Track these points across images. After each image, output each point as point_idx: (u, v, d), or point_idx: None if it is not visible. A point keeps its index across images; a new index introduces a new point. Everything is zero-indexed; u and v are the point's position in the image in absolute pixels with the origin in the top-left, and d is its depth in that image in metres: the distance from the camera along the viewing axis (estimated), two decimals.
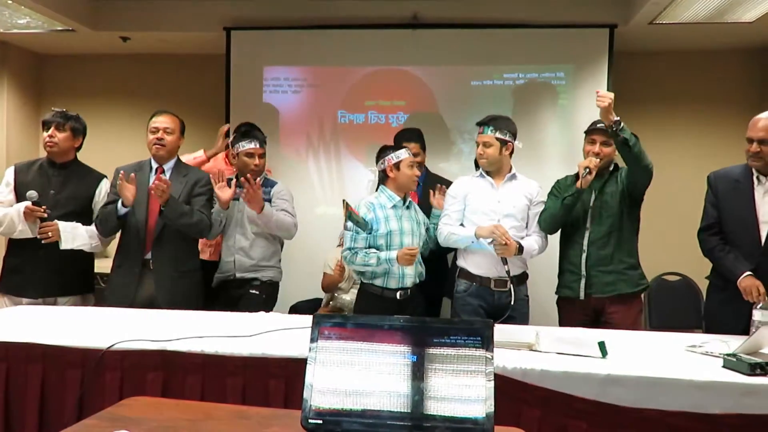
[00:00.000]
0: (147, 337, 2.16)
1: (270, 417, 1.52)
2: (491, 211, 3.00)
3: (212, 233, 3.28)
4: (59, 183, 3.14)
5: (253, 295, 3.21)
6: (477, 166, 3.19)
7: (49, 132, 3.11)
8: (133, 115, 5.48)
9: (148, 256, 3.08)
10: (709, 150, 4.95)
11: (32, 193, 2.98)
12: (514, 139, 3.08)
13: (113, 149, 4.63)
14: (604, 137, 2.96)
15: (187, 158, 3.57)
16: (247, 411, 1.58)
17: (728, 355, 2.04)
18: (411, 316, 1.51)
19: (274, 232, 3.30)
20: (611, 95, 2.78)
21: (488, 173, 3.10)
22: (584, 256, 2.97)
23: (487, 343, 1.41)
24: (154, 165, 3.19)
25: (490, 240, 2.88)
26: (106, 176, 3.28)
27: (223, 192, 3.15)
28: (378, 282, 2.99)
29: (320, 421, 1.40)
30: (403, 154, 3.03)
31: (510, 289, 2.95)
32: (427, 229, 3.16)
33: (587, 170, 2.88)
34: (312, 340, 1.46)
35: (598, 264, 2.95)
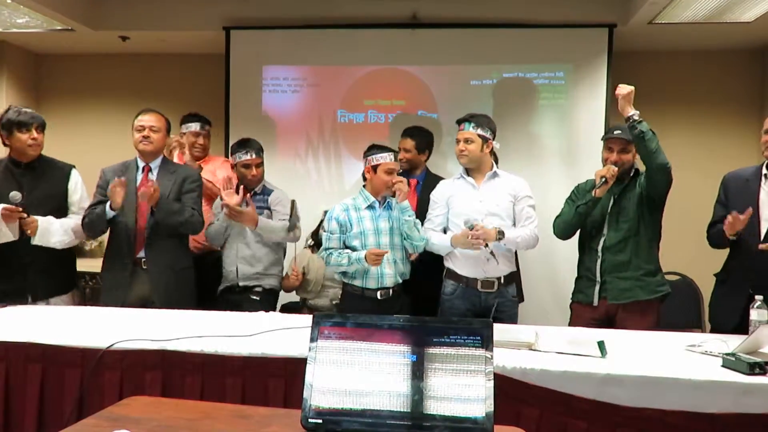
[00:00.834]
0: (146, 337, 2.16)
1: (270, 416, 1.52)
2: (474, 212, 2.95)
3: (216, 241, 3.29)
4: (29, 183, 3.03)
5: (255, 301, 3.21)
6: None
7: (31, 134, 3.00)
8: (132, 115, 5.43)
9: (140, 255, 3.06)
10: (709, 149, 4.95)
11: (15, 195, 2.87)
12: (494, 138, 3.05)
13: (112, 149, 4.61)
14: (622, 144, 2.89)
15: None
16: (247, 410, 1.58)
17: (727, 354, 2.04)
18: (409, 316, 1.51)
19: (277, 241, 3.34)
20: (631, 87, 2.74)
21: (468, 173, 3.07)
22: (599, 261, 2.93)
23: (487, 342, 1.41)
24: (141, 164, 3.16)
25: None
26: (74, 166, 3.21)
27: (231, 198, 3.14)
28: (357, 282, 2.99)
29: (320, 421, 1.40)
30: (383, 158, 3.00)
31: (497, 290, 2.95)
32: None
33: (603, 180, 2.81)
34: (312, 340, 1.46)
35: (614, 270, 2.90)
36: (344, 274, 3.05)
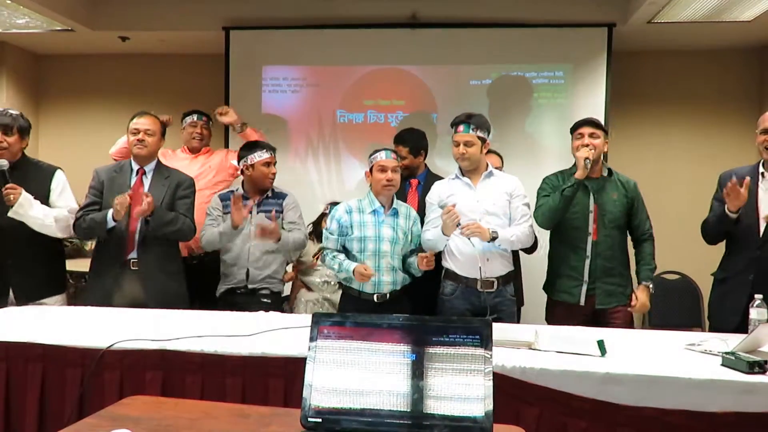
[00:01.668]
0: (146, 337, 2.16)
1: (269, 416, 1.52)
2: (471, 212, 2.95)
3: (213, 247, 3.28)
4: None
5: (266, 304, 3.20)
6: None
7: None
8: (131, 115, 5.48)
9: (131, 256, 3.04)
10: (708, 149, 4.96)
11: (3, 162, 2.87)
12: (489, 136, 3.06)
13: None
14: (591, 129, 2.98)
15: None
16: (247, 410, 1.58)
17: (727, 353, 2.04)
18: (409, 315, 1.51)
19: (290, 251, 3.37)
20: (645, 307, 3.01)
21: (463, 173, 3.06)
22: (588, 262, 2.96)
23: (486, 341, 1.41)
24: (135, 167, 3.15)
25: (458, 231, 2.84)
26: (59, 168, 3.17)
27: (239, 213, 3.11)
28: (355, 285, 2.99)
29: (320, 420, 1.40)
30: (375, 158, 3.01)
31: (496, 289, 2.95)
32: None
33: (587, 160, 2.87)
34: (311, 339, 1.46)
35: (603, 275, 2.96)
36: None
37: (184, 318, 2.63)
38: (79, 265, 3.57)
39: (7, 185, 2.86)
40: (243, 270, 3.25)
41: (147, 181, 3.13)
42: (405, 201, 3.33)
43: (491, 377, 1.39)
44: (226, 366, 2.08)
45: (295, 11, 4.65)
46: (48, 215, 2.97)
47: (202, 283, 3.41)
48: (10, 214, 2.87)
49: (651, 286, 2.99)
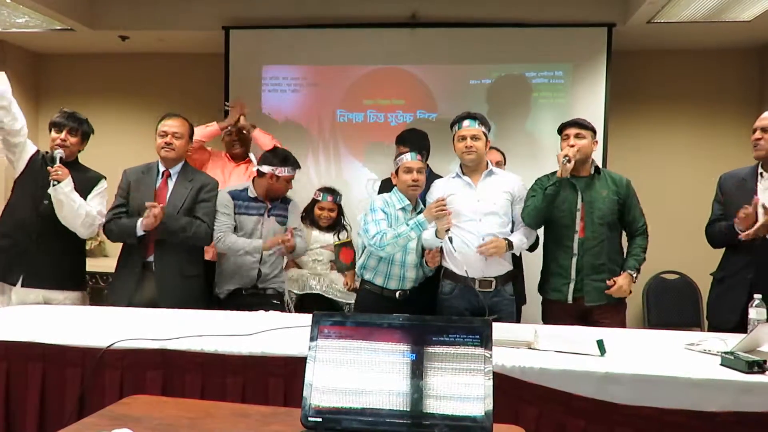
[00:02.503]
0: (147, 336, 2.16)
1: (270, 415, 1.52)
2: (472, 212, 2.97)
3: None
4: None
5: (276, 305, 3.22)
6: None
7: (62, 135, 3.08)
8: (132, 115, 5.49)
9: (150, 258, 3.07)
10: (708, 148, 4.97)
11: (59, 151, 3.01)
12: (489, 134, 3.08)
13: (112, 149, 4.63)
14: (576, 129, 3.00)
15: (200, 130, 3.59)
16: (247, 409, 1.58)
17: (726, 353, 2.04)
18: (409, 315, 1.52)
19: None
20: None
21: (464, 172, 3.07)
22: (575, 260, 2.96)
23: (486, 341, 1.42)
24: (161, 168, 3.18)
25: (476, 249, 2.88)
26: (104, 177, 3.25)
27: (275, 243, 3.18)
28: (378, 281, 3.00)
29: (320, 419, 1.41)
30: (401, 159, 3.03)
31: (495, 289, 2.96)
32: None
33: (566, 158, 2.89)
34: (312, 339, 1.46)
35: (591, 272, 2.95)
36: (365, 271, 3.06)
37: (184, 317, 2.63)
38: (94, 265, 3.59)
39: (56, 166, 2.97)
40: (254, 270, 3.24)
41: (171, 183, 3.15)
42: None
43: (491, 377, 1.39)
44: (226, 365, 2.08)
45: (295, 11, 4.65)
46: (82, 206, 3.04)
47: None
48: (50, 190, 2.96)
49: (635, 276, 2.97)
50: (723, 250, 2.97)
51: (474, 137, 2.98)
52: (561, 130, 3.08)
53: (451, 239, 2.83)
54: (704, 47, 4.96)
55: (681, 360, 2.11)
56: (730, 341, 2.20)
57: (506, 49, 4.60)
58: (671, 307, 4.77)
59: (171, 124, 3.15)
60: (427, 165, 3.68)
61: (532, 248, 3.33)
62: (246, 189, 3.30)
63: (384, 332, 1.45)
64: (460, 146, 3.01)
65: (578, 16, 4.49)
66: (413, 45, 4.63)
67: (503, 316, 2.93)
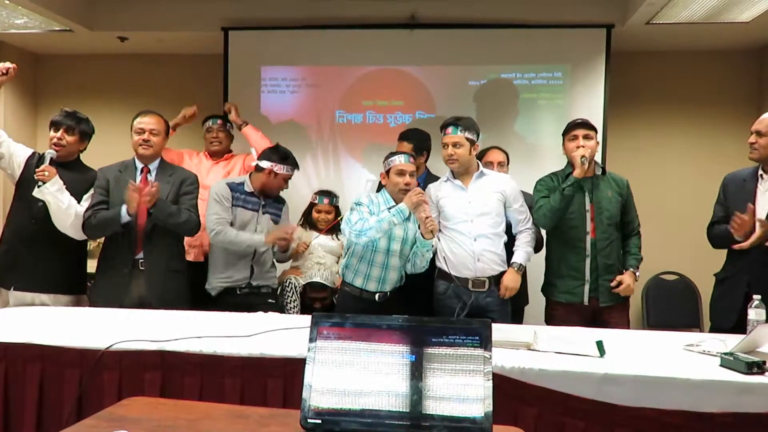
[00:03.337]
0: (145, 338, 2.16)
1: (268, 417, 1.52)
2: (464, 214, 3.00)
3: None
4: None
5: (272, 304, 3.23)
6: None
7: (58, 134, 3.06)
8: (130, 116, 5.42)
9: (139, 256, 3.05)
10: (707, 149, 4.96)
11: (51, 151, 2.99)
12: (477, 139, 3.08)
13: (111, 149, 4.61)
14: (585, 130, 3.02)
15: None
16: (246, 411, 1.58)
17: (725, 354, 2.04)
18: (408, 316, 1.51)
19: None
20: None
21: (455, 175, 3.09)
22: (588, 261, 2.99)
23: (486, 342, 1.42)
24: (139, 165, 3.16)
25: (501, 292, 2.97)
26: None
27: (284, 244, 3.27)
28: (358, 282, 2.98)
29: (319, 421, 1.40)
30: (393, 161, 2.99)
31: (488, 289, 2.97)
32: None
33: (584, 158, 2.91)
34: (311, 340, 1.46)
35: (605, 272, 2.99)
36: (346, 271, 3.04)
37: (183, 318, 2.63)
38: (94, 265, 3.56)
39: (43, 166, 2.93)
40: (247, 267, 3.25)
41: (151, 179, 3.13)
42: None
43: (491, 378, 1.39)
44: (225, 366, 2.07)
45: (294, 12, 4.65)
46: (72, 206, 3.00)
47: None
48: (35, 192, 2.91)
49: (637, 273, 3.06)
50: (724, 250, 2.97)
51: (455, 144, 3.00)
52: (568, 130, 3.09)
53: (439, 239, 2.85)
54: (703, 48, 4.96)
55: (680, 361, 2.11)
56: (730, 342, 2.21)
57: (505, 50, 4.60)
58: (670, 308, 4.77)
59: (147, 121, 3.14)
60: (426, 167, 3.69)
61: (536, 249, 3.34)
62: (243, 183, 3.30)
63: (383, 333, 1.45)
64: (444, 153, 3.07)
65: (577, 17, 4.49)
66: (412, 46, 4.63)
67: (496, 317, 2.94)
